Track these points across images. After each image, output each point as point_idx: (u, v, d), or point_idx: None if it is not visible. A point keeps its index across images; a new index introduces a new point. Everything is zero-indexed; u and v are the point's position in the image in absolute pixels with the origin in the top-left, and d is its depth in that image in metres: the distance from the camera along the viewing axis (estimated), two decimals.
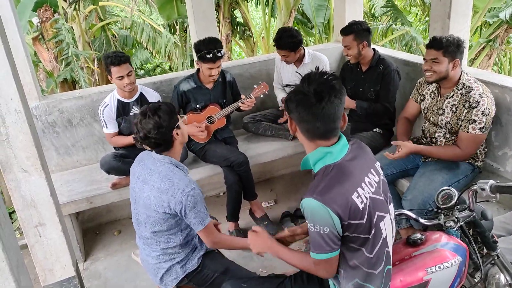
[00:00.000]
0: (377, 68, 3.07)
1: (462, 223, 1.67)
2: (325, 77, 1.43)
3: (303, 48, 3.36)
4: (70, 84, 6.70)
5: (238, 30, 8.53)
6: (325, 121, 1.41)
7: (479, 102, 2.36)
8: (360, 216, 1.40)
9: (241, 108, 3.12)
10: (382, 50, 3.82)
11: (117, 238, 3.37)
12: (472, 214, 1.66)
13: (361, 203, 1.40)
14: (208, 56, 2.87)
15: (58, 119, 3.26)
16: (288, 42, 3.20)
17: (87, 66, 6.82)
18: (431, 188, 2.39)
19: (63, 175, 3.31)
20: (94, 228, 3.50)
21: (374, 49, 3.13)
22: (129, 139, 2.97)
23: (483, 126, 2.38)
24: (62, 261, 2.44)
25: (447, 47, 2.37)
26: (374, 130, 3.15)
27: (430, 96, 2.67)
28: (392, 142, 2.59)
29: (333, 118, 1.42)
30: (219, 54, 2.90)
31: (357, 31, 2.96)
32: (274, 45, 3.28)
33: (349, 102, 3.07)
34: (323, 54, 3.49)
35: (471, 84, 2.43)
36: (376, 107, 3.07)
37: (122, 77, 2.84)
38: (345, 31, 3.01)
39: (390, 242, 1.55)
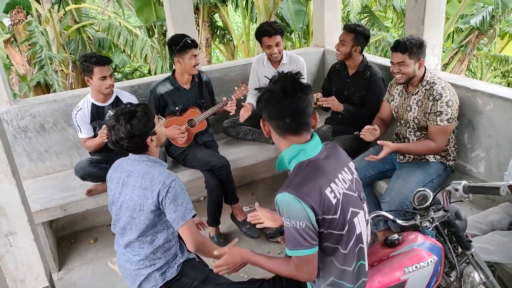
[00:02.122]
0: (363, 74, 3.10)
1: (437, 223, 1.70)
2: (291, 75, 1.49)
3: None
4: (44, 87, 6.54)
5: (217, 34, 8.53)
6: (294, 116, 1.45)
7: (442, 94, 2.47)
8: (333, 211, 1.42)
9: (226, 109, 3.10)
10: None
11: (93, 246, 3.29)
12: (446, 214, 1.70)
13: (334, 198, 1.43)
14: (190, 41, 2.91)
15: (30, 123, 3.17)
16: (279, 26, 3.29)
17: (61, 70, 6.67)
18: (407, 190, 2.44)
19: (36, 181, 3.21)
20: (69, 236, 3.41)
21: (363, 55, 3.15)
22: (99, 138, 2.85)
23: (450, 117, 2.48)
24: (35, 272, 2.37)
25: (411, 49, 2.49)
26: (355, 133, 3.18)
27: (399, 95, 2.76)
28: (378, 142, 2.62)
29: (302, 113, 1.45)
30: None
31: (359, 34, 3.01)
32: (264, 36, 3.26)
33: (338, 106, 3.08)
34: (301, 57, 3.53)
35: (435, 80, 2.56)
36: (363, 112, 3.11)
37: (105, 78, 2.78)
38: (349, 28, 3.03)
39: (365, 239, 1.57)
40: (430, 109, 2.52)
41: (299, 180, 1.42)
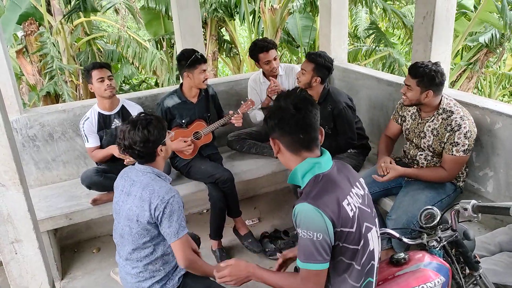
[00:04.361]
0: (326, 106, 3.01)
1: (445, 242, 1.67)
2: (298, 91, 1.51)
3: None
4: (53, 98, 6.62)
5: (224, 47, 8.62)
6: (307, 130, 1.47)
7: (461, 125, 2.40)
8: (350, 224, 1.42)
9: (232, 122, 3.11)
10: (366, 71, 3.89)
11: (96, 256, 3.28)
12: (454, 233, 1.67)
13: (351, 211, 1.43)
14: (200, 57, 2.95)
15: (39, 133, 3.20)
16: (272, 40, 3.36)
17: (71, 80, 6.76)
18: (415, 208, 2.40)
19: (42, 190, 3.22)
20: (73, 246, 3.40)
21: (325, 84, 3.05)
22: (108, 150, 2.91)
23: (466, 149, 2.42)
24: (38, 279, 2.37)
25: (421, 77, 2.41)
26: (349, 151, 3.17)
27: (411, 118, 2.71)
28: (382, 165, 2.61)
29: (314, 127, 1.48)
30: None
31: (319, 65, 2.91)
32: (261, 52, 3.29)
33: None
34: (294, 64, 3.59)
35: (452, 108, 2.48)
36: (338, 143, 3.07)
37: (102, 79, 2.84)
38: (309, 58, 2.94)
39: (377, 255, 1.55)
40: (447, 139, 2.45)
41: (317, 192, 1.42)
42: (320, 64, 2.91)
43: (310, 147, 1.49)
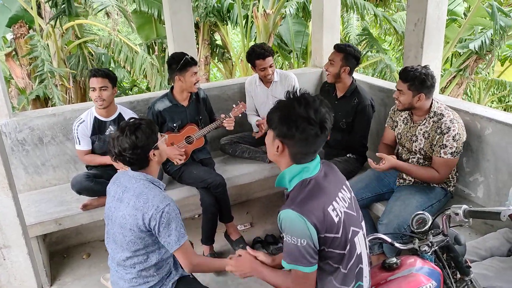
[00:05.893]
0: (351, 100, 3.06)
1: (436, 247, 1.68)
2: (322, 106, 1.45)
3: None
4: (43, 101, 6.57)
5: (217, 52, 8.63)
6: (318, 148, 1.48)
7: (450, 128, 2.43)
8: (335, 229, 1.43)
9: (224, 126, 3.11)
10: (358, 77, 3.92)
11: (86, 262, 3.24)
12: (445, 238, 1.68)
13: (336, 216, 1.44)
14: (190, 59, 2.95)
15: (28, 136, 3.16)
16: (270, 47, 3.37)
17: (62, 84, 6.70)
18: (406, 213, 2.42)
19: (31, 195, 3.18)
20: (62, 251, 3.36)
21: (353, 79, 3.14)
22: (103, 159, 2.90)
23: (454, 151, 2.45)
24: (27, 286, 2.34)
25: (412, 81, 2.45)
26: (348, 155, 3.18)
27: (403, 123, 2.73)
28: (377, 154, 2.62)
29: (323, 143, 1.49)
30: None
31: (348, 54, 2.99)
32: (258, 58, 3.31)
33: None
34: (289, 72, 3.62)
35: (442, 111, 2.52)
36: (350, 140, 3.10)
37: (94, 89, 2.82)
38: (338, 48, 3.02)
39: (365, 259, 1.56)
40: (437, 141, 2.48)
41: (303, 198, 1.42)
42: (350, 53, 2.98)
43: (312, 159, 1.50)
